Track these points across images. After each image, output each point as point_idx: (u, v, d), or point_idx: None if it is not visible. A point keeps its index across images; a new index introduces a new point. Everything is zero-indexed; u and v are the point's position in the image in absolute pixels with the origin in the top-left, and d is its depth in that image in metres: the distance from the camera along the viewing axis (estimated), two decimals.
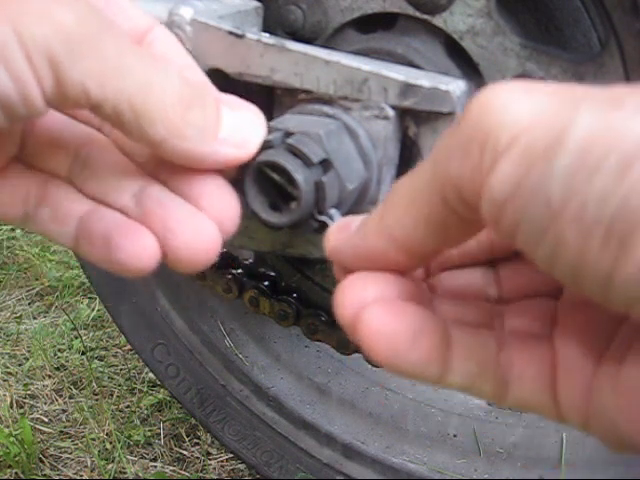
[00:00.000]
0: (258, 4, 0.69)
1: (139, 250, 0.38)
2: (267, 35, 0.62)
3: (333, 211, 0.51)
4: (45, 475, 1.24)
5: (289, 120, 0.57)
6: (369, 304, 0.32)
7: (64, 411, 1.40)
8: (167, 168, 0.40)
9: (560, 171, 0.25)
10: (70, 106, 0.35)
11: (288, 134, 0.52)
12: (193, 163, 0.39)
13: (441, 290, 0.38)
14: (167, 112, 0.36)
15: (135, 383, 1.46)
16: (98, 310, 1.68)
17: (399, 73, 0.57)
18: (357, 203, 0.57)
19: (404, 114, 0.58)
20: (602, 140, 0.24)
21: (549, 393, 0.33)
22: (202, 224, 0.39)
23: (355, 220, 0.36)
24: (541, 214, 0.26)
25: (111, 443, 1.29)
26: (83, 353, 1.54)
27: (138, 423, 1.35)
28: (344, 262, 0.36)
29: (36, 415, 1.38)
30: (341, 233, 0.36)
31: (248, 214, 0.48)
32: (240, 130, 0.41)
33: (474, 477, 1.02)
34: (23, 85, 0.33)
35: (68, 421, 1.37)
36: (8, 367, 1.50)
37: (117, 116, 0.35)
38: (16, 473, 1.24)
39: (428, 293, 0.37)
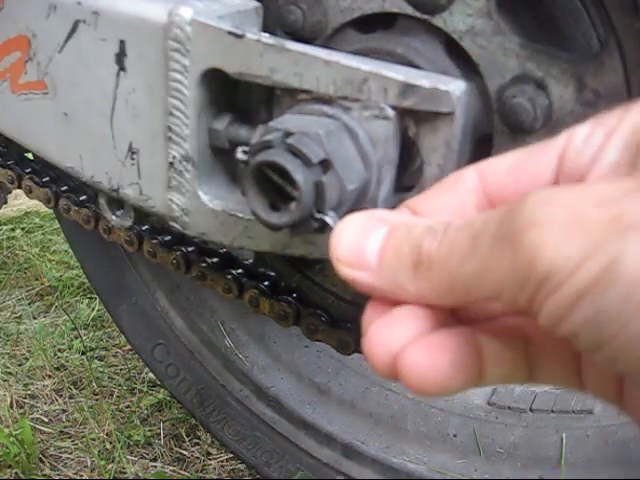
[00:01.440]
0: (258, 4, 0.69)
1: None
2: (267, 35, 0.62)
3: (331, 214, 0.51)
4: (45, 475, 1.24)
5: (289, 120, 0.57)
6: (405, 347, 0.34)
7: (64, 411, 1.40)
8: None
9: (612, 303, 0.27)
10: None
11: (288, 134, 0.52)
12: None
13: None
14: None
15: (135, 383, 1.46)
16: (98, 310, 1.68)
17: (399, 73, 0.57)
18: (357, 203, 0.57)
19: (404, 114, 0.58)
20: None
21: (575, 378, 0.35)
22: None
23: (366, 243, 0.36)
24: (596, 337, 0.28)
25: (111, 443, 1.29)
26: (83, 353, 1.54)
27: (138, 423, 1.35)
28: (367, 292, 0.36)
29: (36, 415, 1.38)
30: (357, 261, 0.36)
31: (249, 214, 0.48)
32: None
33: (474, 477, 1.02)
34: None
35: (68, 421, 1.37)
36: (8, 367, 1.50)
37: None
38: (16, 473, 1.24)
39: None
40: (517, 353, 0.35)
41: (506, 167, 0.37)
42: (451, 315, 0.37)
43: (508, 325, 0.37)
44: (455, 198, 0.38)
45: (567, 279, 0.28)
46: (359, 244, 0.36)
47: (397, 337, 0.34)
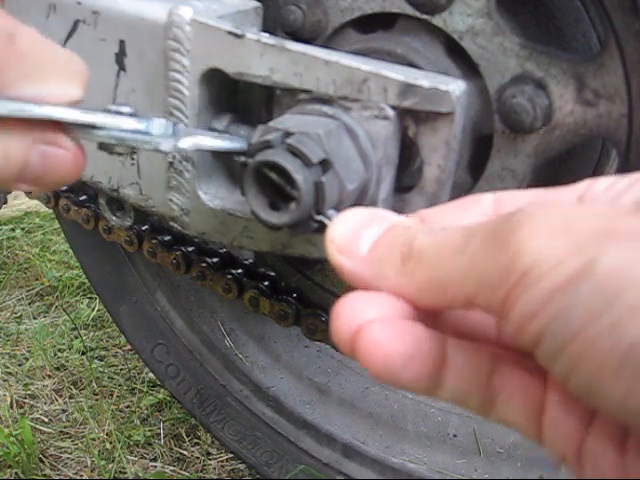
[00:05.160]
0: (258, 4, 0.69)
1: None
2: (267, 35, 0.62)
3: (331, 212, 0.51)
4: (45, 475, 1.24)
5: (289, 120, 0.57)
6: (369, 322, 0.33)
7: (64, 411, 1.40)
8: None
9: (584, 296, 0.27)
10: None
11: (288, 134, 0.52)
12: None
13: None
14: None
15: (135, 383, 1.46)
16: (98, 310, 1.68)
17: (399, 73, 0.57)
18: (357, 203, 0.57)
19: (404, 114, 0.58)
20: (623, 274, 0.26)
21: (534, 425, 0.34)
22: None
23: (363, 234, 0.36)
24: (563, 333, 0.28)
25: (111, 443, 1.29)
26: (83, 353, 1.54)
27: (138, 423, 1.35)
28: (350, 280, 0.36)
29: (36, 415, 1.38)
30: (350, 248, 0.36)
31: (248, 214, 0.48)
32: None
33: (474, 477, 1.02)
34: None
35: (68, 421, 1.37)
36: (8, 367, 1.50)
37: None
38: (16, 473, 1.24)
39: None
40: (480, 377, 0.35)
41: (523, 201, 0.38)
42: (429, 319, 0.36)
43: (480, 348, 0.36)
44: (467, 219, 0.38)
45: (546, 274, 0.28)
46: (356, 233, 0.36)
47: (366, 312, 0.34)
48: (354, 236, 0.36)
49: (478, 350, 0.35)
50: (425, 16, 0.67)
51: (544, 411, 0.34)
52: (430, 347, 0.33)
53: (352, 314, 0.34)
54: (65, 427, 1.35)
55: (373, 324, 0.33)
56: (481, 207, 0.38)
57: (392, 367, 0.32)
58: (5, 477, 1.23)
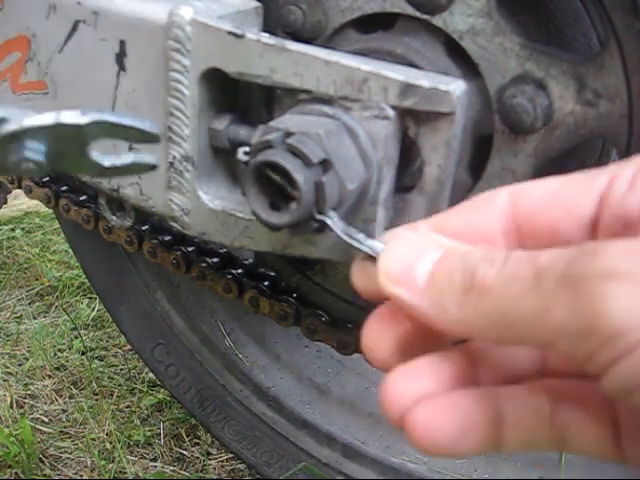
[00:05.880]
0: (258, 4, 0.69)
1: None
2: (267, 35, 0.62)
3: (331, 213, 0.51)
4: (45, 475, 1.24)
5: (289, 120, 0.57)
6: (416, 402, 0.33)
7: (64, 411, 1.40)
8: None
9: None
10: None
11: (288, 134, 0.52)
12: None
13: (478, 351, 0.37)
14: None
15: (135, 383, 1.46)
16: (98, 310, 1.68)
17: (399, 73, 0.57)
18: (357, 203, 0.57)
19: (404, 114, 0.58)
20: None
21: (612, 447, 0.33)
22: None
23: (417, 264, 0.35)
24: None
25: (111, 443, 1.29)
26: (83, 353, 1.54)
27: (138, 423, 1.35)
28: (408, 311, 0.35)
29: (36, 415, 1.38)
30: (406, 279, 0.35)
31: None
32: None
33: (474, 477, 1.02)
34: None
35: (68, 421, 1.37)
36: (8, 367, 1.50)
37: None
38: (16, 473, 1.24)
39: (468, 362, 0.37)
40: (542, 421, 0.33)
41: (540, 196, 0.36)
42: (473, 371, 0.36)
43: (535, 387, 0.35)
44: (482, 219, 0.36)
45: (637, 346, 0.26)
46: (410, 262, 0.35)
47: (411, 392, 0.34)
48: (408, 266, 0.34)
49: (532, 393, 0.34)
50: (425, 16, 0.67)
51: (619, 431, 0.33)
52: (482, 413, 0.33)
53: (398, 393, 0.34)
54: (65, 427, 1.35)
55: (419, 407, 0.33)
56: (496, 207, 0.36)
57: (444, 446, 0.33)
58: (5, 477, 1.23)
